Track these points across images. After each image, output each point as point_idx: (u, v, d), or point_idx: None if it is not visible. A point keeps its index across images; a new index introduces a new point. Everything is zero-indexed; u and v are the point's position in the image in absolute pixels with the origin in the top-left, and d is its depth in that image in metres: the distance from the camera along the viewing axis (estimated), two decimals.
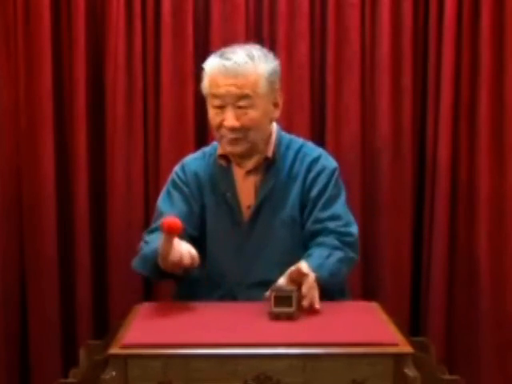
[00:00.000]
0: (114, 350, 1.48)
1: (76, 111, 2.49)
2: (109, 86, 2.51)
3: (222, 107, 1.89)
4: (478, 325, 2.50)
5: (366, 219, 2.50)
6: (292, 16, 2.47)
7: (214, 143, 2.10)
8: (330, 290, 1.83)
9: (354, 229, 1.97)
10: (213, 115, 1.92)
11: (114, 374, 1.44)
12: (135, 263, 1.96)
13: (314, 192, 1.96)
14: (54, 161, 2.49)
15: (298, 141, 2.07)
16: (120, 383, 1.44)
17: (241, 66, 1.86)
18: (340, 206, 1.98)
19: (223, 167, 2.01)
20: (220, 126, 1.91)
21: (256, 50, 1.92)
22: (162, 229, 1.68)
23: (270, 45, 2.48)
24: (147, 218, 2.54)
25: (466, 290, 2.53)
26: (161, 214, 1.99)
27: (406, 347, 1.48)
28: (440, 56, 2.46)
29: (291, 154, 2.01)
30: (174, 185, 2.05)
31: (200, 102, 2.51)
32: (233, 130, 1.89)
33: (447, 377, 1.60)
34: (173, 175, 2.08)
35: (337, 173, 2.01)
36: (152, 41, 2.50)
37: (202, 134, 2.52)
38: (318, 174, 1.98)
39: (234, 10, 2.47)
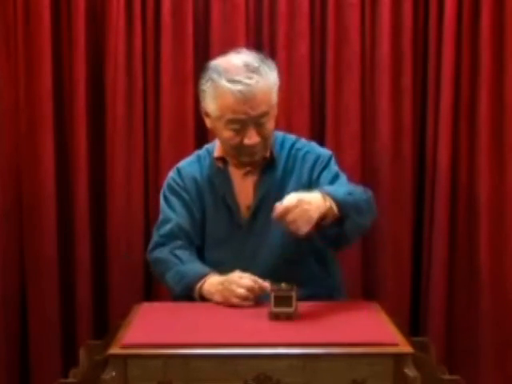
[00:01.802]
0: (114, 350, 1.47)
1: (76, 111, 2.49)
2: (109, 86, 2.51)
3: (240, 128, 1.87)
4: (477, 325, 2.50)
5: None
6: (292, 16, 2.47)
7: (207, 146, 2.10)
8: (348, 214, 1.75)
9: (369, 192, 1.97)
10: (230, 136, 1.89)
11: (113, 374, 1.44)
12: (168, 276, 1.92)
13: (315, 175, 1.97)
14: (54, 161, 2.49)
15: (291, 138, 2.07)
16: (120, 383, 1.44)
17: (254, 86, 1.81)
18: (345, 180, 1.99)
19: (220, 169, 2.00)
20: (239, 145, 1.89)
21: (253, 59, 1.87)
22: None
23: (270, 45, 2.49)
24: (147, 217, 2.54)
25: (466, 290, 2.53)
26: (168, 220, 1.99)
27: (406, 347, 1.48)
28: (440, 56, 2.46)
29: (285, 151, 2.01)
30: (172, 191, 2.03)
31: (200, 101, 2.52)
32: (255, 145, 1.89)
33: (447, 377, 1.60)
34: (169, 181, 2.05)
35: (333, 158, 2.03)
36: (152, 41, 2.50)
37: (202, 134, 2.52)
38: (314, 162, 1.99)
39: (233, 9, 2.47)
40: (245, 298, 1.74)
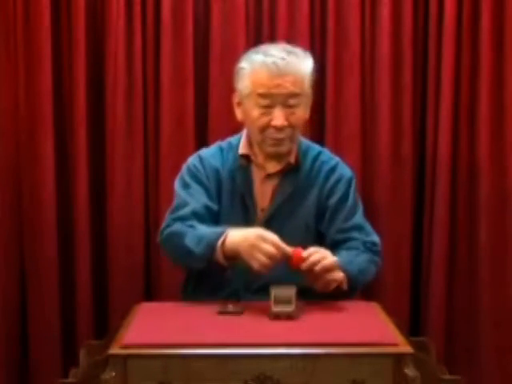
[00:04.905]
0: (114, 350, 1.48)
1: (76, 111, 2.49)
2: (109, 86, 2.51)
3: (269, 107, 1.87)
4: (478, 324, 2.51)
5: (366, 219, 2.50)
6: (292, 16, 2.47)
7: (230, 139, 2.08)
8: (356, 288, 1.86)
9: (377, 238, 2.00)
10: (258, 115, 1.88)
11: (113, 374, 1.44)
12: (186, 241, 1.82)
13: (333, 200, 1.97)
14: (54, 161, 2.49)
15: (316, 147, 2.07)
16: (120, 383, 1.44)
17: (288, 61, 1.85)
18: (360, 216, 2.00)
19: (243, 167, 1.99)
20: (266, 126, 1.89)
21: (293, 48, 1.92)
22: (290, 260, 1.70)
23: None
24: (147, 218, 2.54)
25: (466, 290, 2.53)
26: (185, 204, 1.93)
27: (405, 347, 1.49)
28: (440, 56, 2.46)
29: (309, 160, 2.01)
30: (193, 176, 1.98)
31: (200, 101, 2.52)
32: (281, 129, 1.88)
33: (447, 377, 1.60)
34: (190, 166, 2.01)
35: (354, 182, 2.03)
36: (152, 41, 2.50)
37: (202, 134, 2.52)
38: (336, 183, 1.99)
39: (233, 9, 2.47)
40: (264, 266, 1.69)
